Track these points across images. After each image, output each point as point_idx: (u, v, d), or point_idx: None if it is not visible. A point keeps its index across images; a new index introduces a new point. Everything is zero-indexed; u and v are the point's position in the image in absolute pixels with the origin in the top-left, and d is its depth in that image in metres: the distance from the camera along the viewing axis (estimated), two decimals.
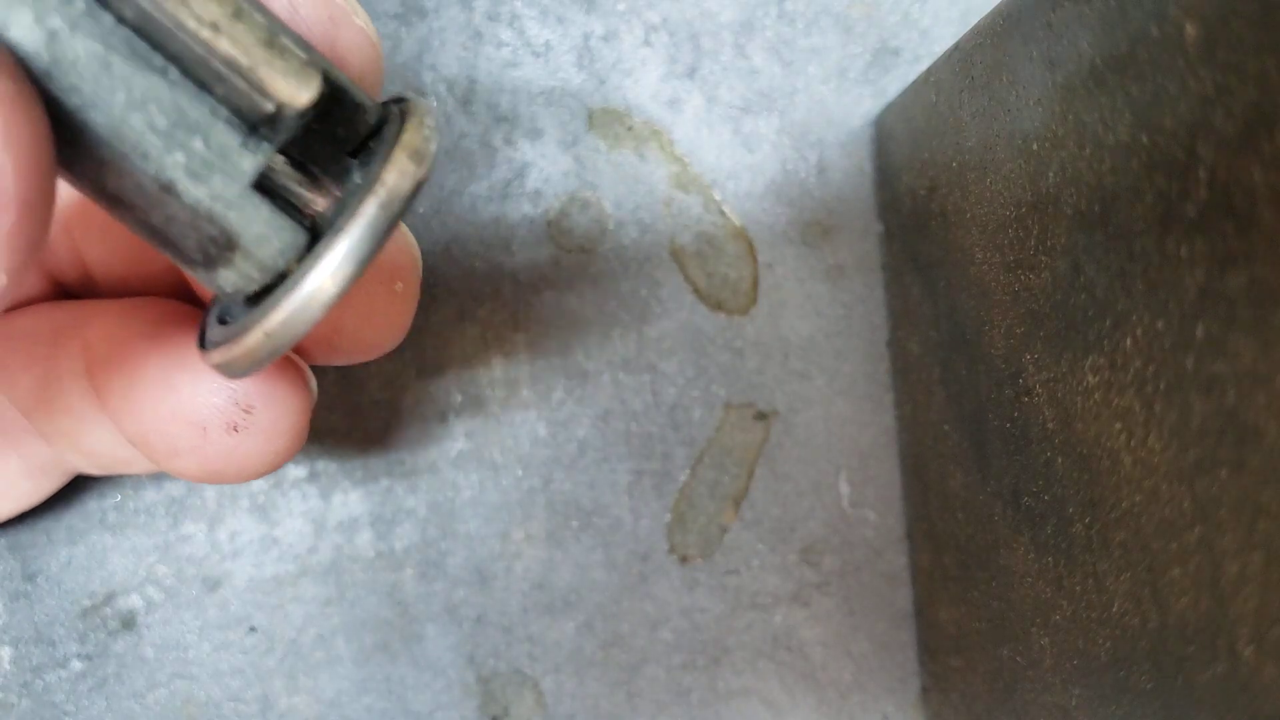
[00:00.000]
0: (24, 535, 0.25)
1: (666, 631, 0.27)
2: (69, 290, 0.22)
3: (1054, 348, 0.18)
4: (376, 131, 0.16)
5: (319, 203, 0.16)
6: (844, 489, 0.28)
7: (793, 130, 0.28)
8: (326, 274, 0.14)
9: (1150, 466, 0.15)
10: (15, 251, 0.12)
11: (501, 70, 0.27)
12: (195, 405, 0.18)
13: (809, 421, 0.28)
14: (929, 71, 0.24)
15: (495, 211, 0.27)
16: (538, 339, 0.27)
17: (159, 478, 0.26)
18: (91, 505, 0.26)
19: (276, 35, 0.13)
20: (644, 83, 0.27)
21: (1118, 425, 0.16)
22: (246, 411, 0.18)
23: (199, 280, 0.16)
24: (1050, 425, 0.19)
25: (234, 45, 0.13)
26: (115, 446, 0.21)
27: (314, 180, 0.15)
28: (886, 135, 0.27)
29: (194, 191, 0.14)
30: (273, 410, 0.19)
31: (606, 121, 0.27)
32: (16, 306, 0.21)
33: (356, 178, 0.16)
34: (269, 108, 0.14)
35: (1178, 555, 0.15)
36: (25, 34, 0.12)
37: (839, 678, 0.27)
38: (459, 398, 0.27)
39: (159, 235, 0.14)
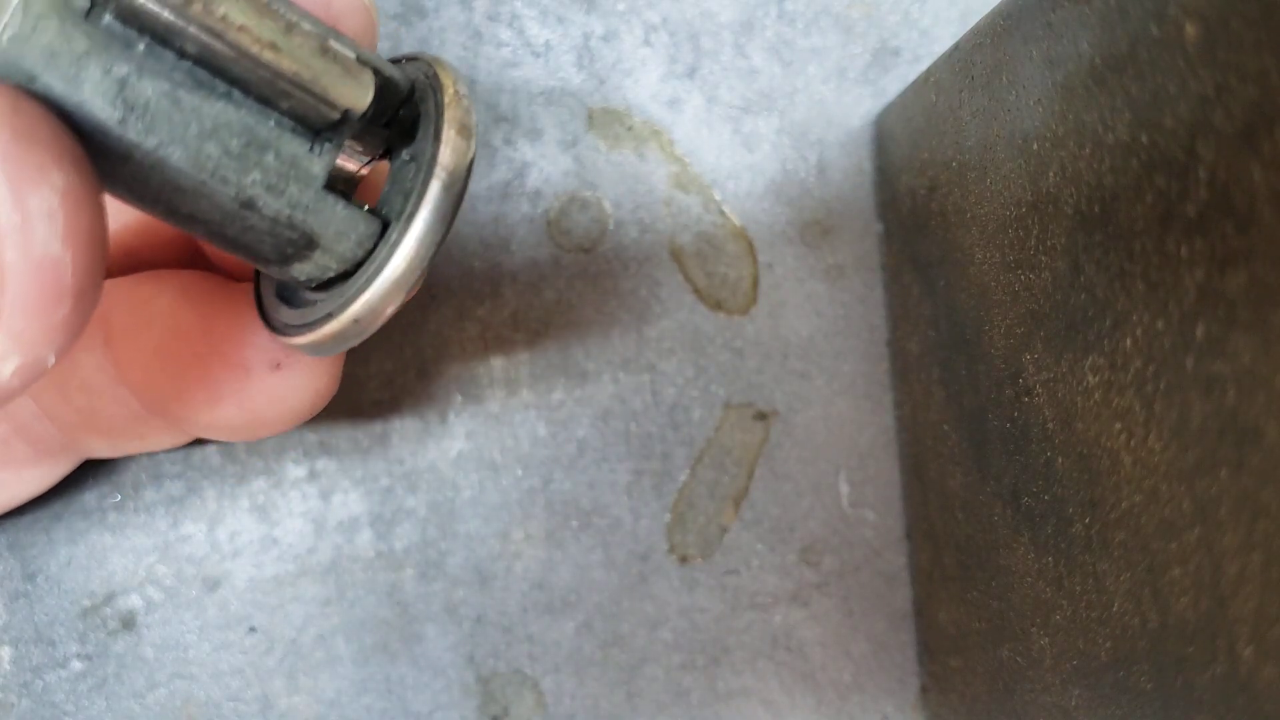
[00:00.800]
0: (24, 535, 0.25)
1: (666, 631, 0.27)
2: None
3: (1054, 348, 0.18)
4: (406, 98, 0.16)
5: (354, 169, 0.16)
6: (844, 489, 0.28)
7: (793, 130, 0.28)
8: (405, 260, 0.14)
9: (1150, 466, 0.15)
10: (67, 336, 0.12)
11: (501, 70, 0.27)
12: (238, 345, 0.19)
13: (809, 421, 0.28)
14: (929, 71, 0.24)
15: (495, 211, 0.27)
16: (538, 339, 0.27)
17: (159, 478, 0.26)
18: (91, 505, 0.26)
19: (327, 41, 0.14)
20: (644, 83, 0.27)
21: (1118, 425, 0.16)
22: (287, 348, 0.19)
23: (271, 274, 0.16)
24: (1050, 425, 0.19)
25: (294, 61, 0.13)
26: (132, 420, 0.21)
27: (345, 150, 0.16)
28: (886, 135, 0.27)
29: (273, 204, 0.14)
30: None
31: (606, 121, 0.27)
32: None
33: (404, 154, 0.16)
34: (334, 115, 0.14)
35: (1178, 555, 0.15)
36: (97, 86, 0.12)
37: (838, 678, 0.27)
38: (459, 398, 0.27)
39: (234, 243, 0.14)
